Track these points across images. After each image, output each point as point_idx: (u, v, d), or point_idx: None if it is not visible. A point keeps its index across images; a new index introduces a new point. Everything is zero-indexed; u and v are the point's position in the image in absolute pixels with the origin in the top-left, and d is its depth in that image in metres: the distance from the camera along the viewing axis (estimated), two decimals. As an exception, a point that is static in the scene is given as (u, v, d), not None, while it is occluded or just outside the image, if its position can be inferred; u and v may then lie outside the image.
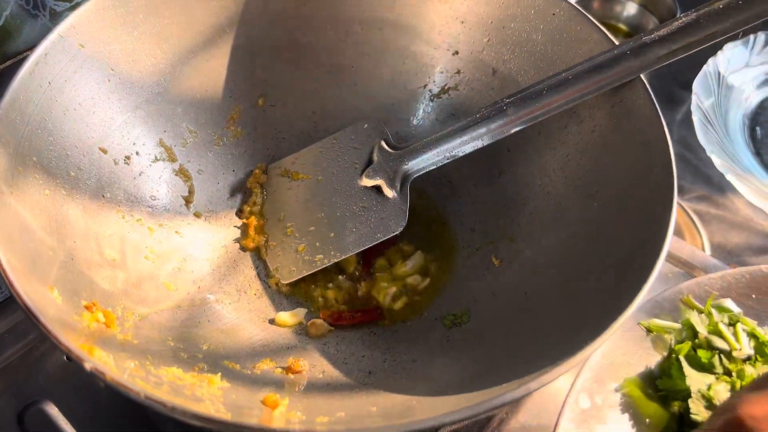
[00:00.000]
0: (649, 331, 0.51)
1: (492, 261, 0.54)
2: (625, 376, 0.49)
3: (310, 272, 0.54)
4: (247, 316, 0.52)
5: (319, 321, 0.52)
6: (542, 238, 0.51)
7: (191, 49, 0.56)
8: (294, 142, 0.60)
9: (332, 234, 0.54)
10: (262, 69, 0.59)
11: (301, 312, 0.53)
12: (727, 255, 0.77)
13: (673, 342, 0.50)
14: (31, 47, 0.54)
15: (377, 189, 0.55)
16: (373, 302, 0.54)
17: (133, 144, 0.53)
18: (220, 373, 0.43)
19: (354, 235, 0.54)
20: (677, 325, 0.51)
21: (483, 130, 0.51)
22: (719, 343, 0.50)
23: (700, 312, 0.51)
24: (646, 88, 0.48)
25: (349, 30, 0.59)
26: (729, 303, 0.52)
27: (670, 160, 0.44)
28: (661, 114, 0.46)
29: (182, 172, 0.56)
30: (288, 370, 0.47)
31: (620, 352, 0.49)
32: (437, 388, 0.43)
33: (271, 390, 0.43)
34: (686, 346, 0.49)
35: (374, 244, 0.54)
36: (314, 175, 0.57)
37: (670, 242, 0.40)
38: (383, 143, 0.56)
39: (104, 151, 0.51)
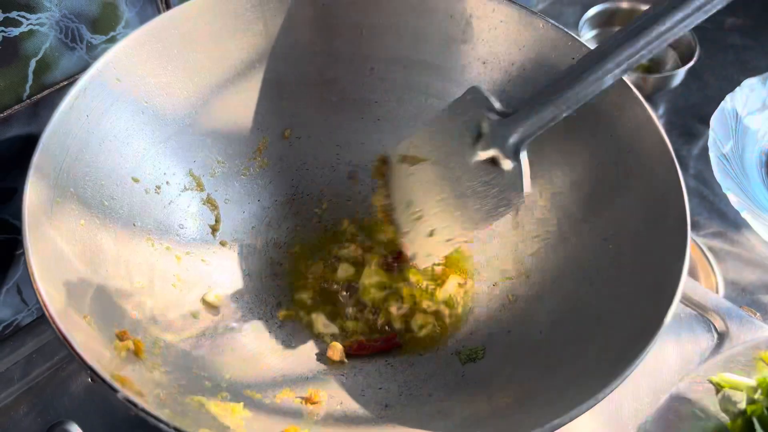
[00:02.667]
0: (720, 387, 0.48)
1: (508, 297, 0.55)
2: None
3: (447, 253, 0.55)
4: (269, 345, 0.53)
5: (339, 346, 0.53)
6: (557, 277, 0.53)
7: (222, 83, 0.58)
8: (318, 173, 0.62)
9: (458, 213, 0.53)
10: (288, 102, 0.61)
11: (333, 327, 0.55)
12: (741, 292, 0.77)
13: (745, 400, 0.47)
14: (68, 77, 0.57)
15: (494, 161, 0.52)
16: (392, 331, 0.56)
17: (164, 174, 0.55)
18: (242, 403, 0.45)
19: (479, 212, 0.52)
20: (751, 382, 0.48)
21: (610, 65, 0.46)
22: None
23: None
24: (660, 134, 0.49)
25: (374, 67, 0.61)
26: None
27: (685, 210, 0.45)
28: (677, 164, 0.47)
29: (209, 202, 0.58)
30: (307, 400, 0.48)
31: (689, 407, 0.47)
32: (452, 425, 0.44)
33: (290, 420, 0.44)
34: (760, 407, 0.47)
35: (499, 218, 0.52)
36: (430, 156, 0.56)
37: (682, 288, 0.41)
38: (489, 112, 0.52)
39: (136, 181, 0.53)
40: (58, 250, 0.43)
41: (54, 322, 0.37)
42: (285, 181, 0.62)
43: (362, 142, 0.62)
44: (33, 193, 0.43)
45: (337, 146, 0.63)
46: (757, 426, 0.47)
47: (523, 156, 0.50)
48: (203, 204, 0.57)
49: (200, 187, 0.57)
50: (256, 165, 0.60)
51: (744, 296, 0.76)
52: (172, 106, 0.55)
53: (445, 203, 0.54)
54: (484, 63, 0.59)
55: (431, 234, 0.54)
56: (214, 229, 0.57)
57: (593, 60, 0.47)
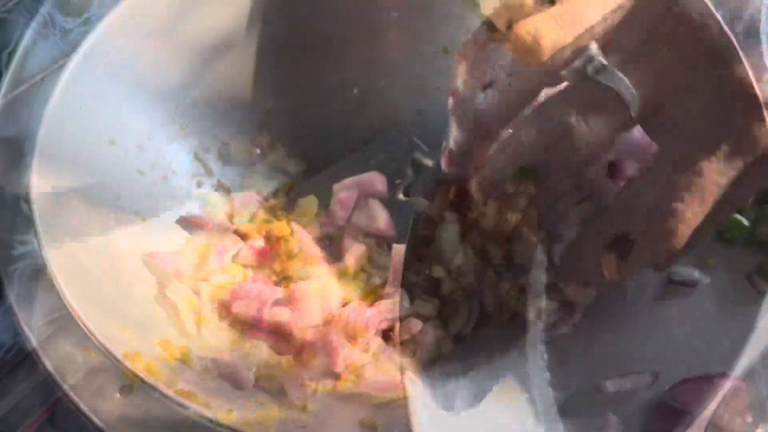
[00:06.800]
0: None
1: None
2: None
3: None
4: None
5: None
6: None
7: (216, 56, 0.53)
8: (330, 143, 0.57)
9: None
10: (290, 69, 0.56)
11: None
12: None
13: None
14: (45, 69, 0.51)
15: None
16: None
17: (170, 163, 0.51)
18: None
19: None
20: None
21: None
22: None
23: None
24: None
25: (374, 20, 0.57)
26: None
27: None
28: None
29: (221, 187, 0.53)
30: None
31: None
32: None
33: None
34: None
35: None
36: None
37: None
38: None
39: (142, 174, 0.48)
40: (83, 266, 0.39)
41: (103, 346, 0.33)
42: (297, 154, 0.56)
43: (374, 102, 0.58)
44: (42, 203, 0.39)
45: (347, 111, 0.57)
46: None
47: None
48: (215, 190, 0.53)
49: (209, 171, 0.53)
50: (263, 141, 0.56)
51: None
52: (166, 85, 0.51)
53: None
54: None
55: None
56: (230, 217, 0.53)
57: None
